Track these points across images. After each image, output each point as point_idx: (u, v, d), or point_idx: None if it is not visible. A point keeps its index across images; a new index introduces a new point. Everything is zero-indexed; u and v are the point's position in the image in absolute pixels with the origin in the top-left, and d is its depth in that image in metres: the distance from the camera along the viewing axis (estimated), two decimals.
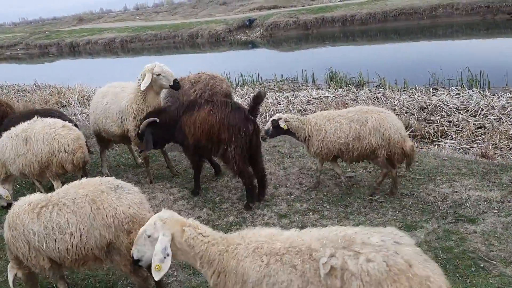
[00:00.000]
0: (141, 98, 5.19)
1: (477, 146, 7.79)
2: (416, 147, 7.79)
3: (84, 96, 15.52)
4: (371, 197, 4.57)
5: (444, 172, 5.09)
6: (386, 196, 4.62)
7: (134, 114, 5.23)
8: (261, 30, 34.75)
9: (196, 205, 4.89)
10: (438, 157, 5.71)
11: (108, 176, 6.04)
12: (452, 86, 12.25)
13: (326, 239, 2.32)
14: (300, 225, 4.19)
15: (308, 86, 15.19)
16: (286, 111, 10.95)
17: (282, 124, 4.76)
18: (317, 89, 14.28)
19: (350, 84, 13.80)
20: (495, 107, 9.31)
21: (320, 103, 11.37)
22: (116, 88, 5.63)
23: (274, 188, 5.10)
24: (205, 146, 4.76)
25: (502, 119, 8.65)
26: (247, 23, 36.12)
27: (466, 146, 7.96)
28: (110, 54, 37.75)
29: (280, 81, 16.06)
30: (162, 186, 5.53)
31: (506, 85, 11.86)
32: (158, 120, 4.96)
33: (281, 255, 2.34)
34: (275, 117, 4.97)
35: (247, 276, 2.38)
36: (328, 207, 4.51)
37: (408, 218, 4.07)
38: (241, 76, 16.81)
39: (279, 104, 11.88)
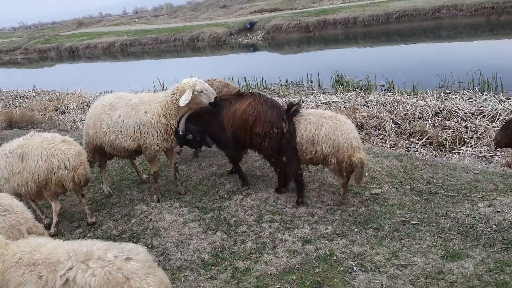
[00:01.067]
0: (173, 113, 4.90)
1: (500, 154, 7.38)
2: (435, 156, 7.41)
3: (84, 102, 15.12)
4: (402, 219, 4.13)
5: (480, 188, 4.65)
6: (419, 217, 4.18)
7: (161, 128, 4.91)
8: (263, 33, 34.38)
9: (208, 228, 4.44)
10: (469, 170, 5.26)
11: (110, 195, 5.64)
12: (464, 89, 11.86)
13: (74, 252, 2.61)
14: (328, 252, 3.75)
15: (314, 90, 14.81)
16: None
17: None
18: (323, 93, 13.89)
19: (358, 88, 13.41)
20: None
21: (329, 108, 10.95)
22: (131, 100, 5.11)
23: (294, 208, 4.66)
24: (241, 139, 4.88)
25: None
26: (248, 26, 35.77)
27: (488, 155, 7.54)
28: (110, 58, 37.39)
29: (285, 85, 15.66)
30: (170, 205, 5.07)
31: None
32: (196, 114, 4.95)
33: (35, 266, 2.62)
34: None
35: (9, 283, 2.66)
36: (356, 230, 4.07)
37: (450, 245, 3.62)
38: (245, 80, 16.41)
39: None
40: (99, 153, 5.48)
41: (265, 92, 14.93)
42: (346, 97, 12.18)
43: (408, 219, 4.11)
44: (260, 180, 5.42)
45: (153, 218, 4.77)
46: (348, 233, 4.04)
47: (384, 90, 13.24)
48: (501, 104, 9.42)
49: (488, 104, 9.71)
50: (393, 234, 3.91)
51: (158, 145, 4.98)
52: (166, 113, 4.89)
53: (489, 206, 4.21)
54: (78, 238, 4.48)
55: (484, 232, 3.74)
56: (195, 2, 71.08)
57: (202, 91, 4.80)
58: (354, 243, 3.86)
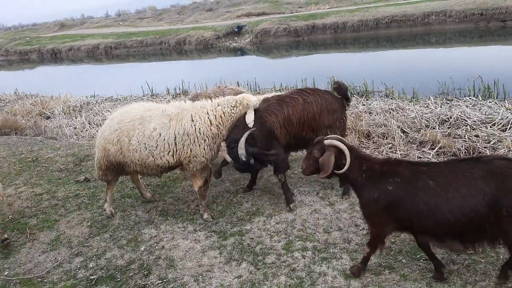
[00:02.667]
0: (227, 124, 4.65)
1: None
2: None
3: (69, 107, 14.41)
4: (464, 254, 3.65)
5: None
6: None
7: (210, 138, 4.57)
8: (251, 37, 33.95)
9: (231, 257, 3.88)
10: None
11: (112, 215, 4.95)
12: (465, 96, 11.55)
13: None
14: None
15: None
16: None
17: None
18: None
19: (355, 94, 13.01)
20: None
21: None
22: (166, 110, 4.61)
23: (326, 233, 4.12)
24: (303, 138, 4.75)
25: None
26: (236, 29, 35.31)
27: None
28: (94, 61, 36.45)
29: (279, 90, 15.18)
30: (183, 228, 4.48)
31: None
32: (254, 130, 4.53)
33: None
34: None
35: None
36: (404, 261, 3.56)
37: None
38: (238, 85, 15.87)
39: None
40: (116, 171, 4.84)
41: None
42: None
43: (461, 248, 3.63)
44: (282, 199, 4.88)
45: (166, 244, 4.19)
46: (396, 265, 3.53)
47: (384, 96, 12.87)
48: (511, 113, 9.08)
49: (496, 112, 9.37)
50: (450, 267, 3.41)
51: (204, 156, 4.58)
52: (219, 124, 4.59)
53: None
54: (78, 269, 3.88)
55: None
56: (180, 6, 70.27)
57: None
58: (406, 278, 3.35)
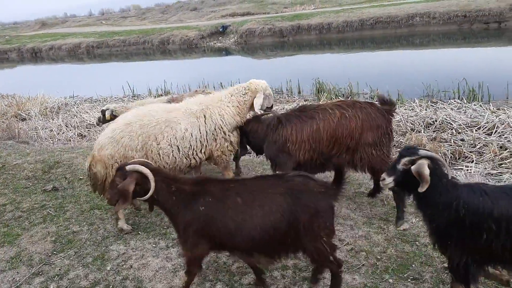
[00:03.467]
0: (246, 112, 4.84)
1: (508, 171, 6.86)
2: None
3: (46, 108, 13.96)
4: (444, 265, 3.40)
5: None
6: None
7: (236, 127, 4.79)
8: (236, 37, 33.67)
9: (205, 278, 3.56)
10: None
11: (131, 230, 4.49)
12: (450, 98, 11.44)
13: None
14: None
15: (294, 97, 14.17)
16: None
17: (107, 115, 5.16)
18: (305, 100, 13.26)
19: (340, 96, 12.83)
20: (511, 124, 8.46)
21: None
22: (189, 109, 4.61)
23: None
24: (333, 156, 4.12)
25: None
26: (221, 29, 34.99)
27: (494, 172, 7.00)
28: (75, 60, 35.75)
29: None
30: (155, 245, 4.15)
31: (507, 98, 11.14)
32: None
33: None
34: (104, 107, 5.87)
35: None
36: (391, 281, 3.30)
37: None
38: (221, 86, 15.59)
39: None
40: None
41: None
42: None
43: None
44: None
45: (134, 263, 3.85)
46: (381, 285, 3.26)
47: (369, 98, 12.72)
48: (497, 117, 8.97)
49: (481, 115, 9.26)
50: None
51: (237, 145, 4.84)
52: (239, 113, 4.76)
53: None
54: None
55: None
56: (164, 5, 69.61)
57: (268, 96, 4.79)
58: None
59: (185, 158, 4.53)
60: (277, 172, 4.30)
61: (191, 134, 4.51)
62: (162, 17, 54.29)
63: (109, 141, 4.33)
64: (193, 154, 4.57)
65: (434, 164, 2.76)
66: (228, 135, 4.73)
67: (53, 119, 12.66)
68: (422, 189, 2.70)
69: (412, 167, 2.75)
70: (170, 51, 34.36)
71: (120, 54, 36.06)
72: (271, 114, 4.57)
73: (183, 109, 4.61)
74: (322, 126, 4.02)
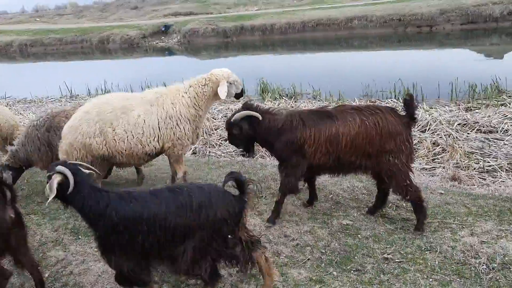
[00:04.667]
0: (203, 104, 4.71)
1: (440, 166, 7.26)
2: None
3: None
4: (384, 255, 3.55)
5: (453, 213, 4.25)
6: (402, 252, 3.64)
7: (191, 119, 4.69)
8: (179, 37, 33.28)
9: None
10: (433, 190, 4.89)
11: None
12: (387, 98, 11.97)
13: None
14: None
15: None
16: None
17: None
18: (250, 101, 13.33)
19: (284, 96, 13.04)
20: (443, 122, 8.98)
21: None
22: (145, 97, 4.65)
23: None
24: (352, 163, 4.00)
25: (452, 135, 8.28)
26: (163, 29, 34.44)
27: (428, 167, 7.40)
28: (7, 59, 33.72)
29: None
30: (96, 248, 3.98)
31: (438, 97, 11.79)
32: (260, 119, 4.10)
33: None
34: None
35: None
36: (335, 273, 3.39)
37: None
38: (165, 85, 15.26)
39: (215, 119, 10.71)
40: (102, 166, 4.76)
41: None
42: (276, 106, 11.71)
43: (390, 256, 3.53)
44: None
45: (75, 269, 3.69)
46: (326, 278, 3.35)
47: (311, 98, 13.00)
48: (430, 115, 9.49)
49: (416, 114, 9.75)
50: (380, 278, 3.30)
51: (189, 138, 4.76)
52: (195, 104, 4.66)
53: (471, 235, 3.80)
54: None
55: (480, 271, 3.27)
56: (103, 3, 67.36)
57: (233, 83, 4.70)
58: None
59: (140, 144, 4.56)
60: (284, 173, 4.18)
61: (144, 120, 4.53)
62: (101, 15, 52.54)
63: (69, 130, 4.52)
64: (146, 141, 4.57)
65: (77, 177, 2.90)
66: (181, 127, 4.64)
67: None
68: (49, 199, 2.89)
69: (49, 182, 2.89)
70: (110, 50, 33.34)
71: (57, 53, 34.49)
72: (283, 110, 4.30)
73: (140, 97, 4.68)
74: (342, 132, 3.88)
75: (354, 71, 17.12)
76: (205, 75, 4.75)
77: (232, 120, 4.23)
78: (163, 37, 34.20)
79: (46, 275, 3.64)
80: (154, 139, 4.61)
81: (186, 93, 4.67)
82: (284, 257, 3.68)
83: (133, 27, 35.91)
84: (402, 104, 4.01)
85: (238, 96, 4.92)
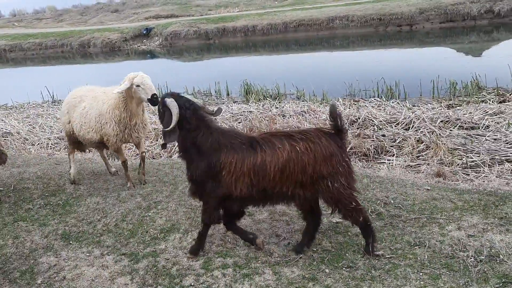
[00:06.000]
0: (122, 105, 5.03)
1: (424, 163, 7.41)
2: (364, 168, 7.20)
3: None
4: (374, 252, 3.62)
5: (440, 208, 4.34)
6: (392, 248, 3.71)
7: (115, 120, 5.11)
8: (160, 40, 33.07)
9: (145, 283, 3.48)
10: (420, 187, 4.98)
11: (75, 182, 5.74)
12: (370, 97, 12.13)
13: None
14: None
15: (223, 99, 14.23)
16: None
17: None
18: (234, 102, 13.38)
19: (268, 97, 13.12)
20: (426, 119, 9.15)
21: (246, 119, 10.44)
22: (96, 92, 5.48)
23: (246, 246, 3.89)
24: (281, 193, 3.53)
25: (436, 132, 8.44)
26: (144, 31, 34.16)
27: (413, 164, 7.53)
28: None
29: (192, 94, 14.82)
30: (88, 253, 3.96)
31: (421, 95, 11.99)
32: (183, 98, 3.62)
33: None
34: None
35: None
36: (327, 271, 3.44)
37: (440, 284, 3.17)
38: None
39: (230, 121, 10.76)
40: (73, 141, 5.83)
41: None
42: (260, 107, 11.77)
43: (380, 252, 3.60)
44: (199, 211, 4.57)
45: (68, 274, 3.67)
46: (319, 276, 3.40)
47: (295, 98, 13.10)
48: (413, 113, 9.65)
49: (399, 112, 9.92)
50: (372, 274, 3.36)
51: (115, 137, 5.17)
52: (118, 106, 5.05)
53: (458, 229, 3.89)
54: None
55: (469, 263, 3.36)
56: (83, 6, 66.54)
57: (139, 85, 4.72)
58: None
59: (90, 131, 5.30)
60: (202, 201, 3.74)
61: (88, 112, 5.30)
62: (81, 19, 51.88)
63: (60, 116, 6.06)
64: (87, 130, 5.31)
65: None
66: (109, 125, 5.14)
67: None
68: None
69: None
70: (91, 54, 32.96)
71: (36, 58, 33.94)
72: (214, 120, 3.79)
73: (99, 91, 5.47)
74: (269, 161, 3.44)
75: (337, 70, 17.31)
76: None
77: None
78: (144, 40, 33.93)
79: (39, 281, 3.63)
80: (92, 130, 5.32)
81: (110, 95, 5.18)
82: (277, 256, 3.72)
83: (114, 30, 35.56)
84: (329, 116, 3.63)
85: (151, 103, 4.68)
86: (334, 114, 3.51)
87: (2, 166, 6.19)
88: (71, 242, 4.25)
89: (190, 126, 3.55)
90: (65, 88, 15.53)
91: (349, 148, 8.20)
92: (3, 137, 10.57)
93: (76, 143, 5.84)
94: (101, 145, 5.57)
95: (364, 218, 3.60)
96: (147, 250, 3.96)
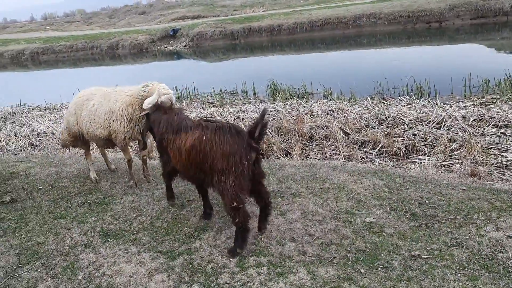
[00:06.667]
0: (137, 104, 5.29)
1: (457, 162, 7.26)
2: (396, 167, 7.11)
3: None
4: (411, 253, 3.58)
5: (477, 208, 4.27)
6: (428, 249, 3.67)
7: (127, 117, 5.35)
8: (187, 40, 33.41)
9: (181, 280, 3.57)
10: (455, 186, 4.90)
11: (97, 181, 5.96)
12: (400, 95, 11.95)
13: None
14: None
15: (250, 99, 14.26)
16: None
17: None
18: (261, 102, 13.41)
19: (295, 96, 13.09)
20: (458, 118, 8.97)
21: (273, 119, 10.44)
22: (106, 90, 5.69)
23: (279, 245, 3.92)
24: (194, 176, 4.13)
25: (469, 130, 8.27)
26: (171, 33, 34.60)
27: (446, 163, 7.39)
28: (19, 68, 34.14)
29: (219, 94, 14.94)
30: (126, 250, 4.09)
31: (452, 93, 11.74)
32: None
33: None
34: None
35: None
36: (362, 271, 3.44)
37: (479, 285, 3.13)
38: (176, 89, 15.45)
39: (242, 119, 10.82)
40: (78, 140, 6.03)
41: (198, 102, 14.15)
42: (288, 106, 11.76)
43: (416, 253, 3.57)
44: None
45: (107, 270, 3.79)
46: (354, 276, 3.40)
47: (323, 97, 13.02)
48: (445, 111, 9.47)
49: (430, 111, 9.75)
50: (408, 274, 3.34)
51: (124, 133, 5.38)
52: (133, 104, 5.30)
53: (496, 229, 3.82)
54: None
55: (511, 265, 3.30)
56: (111, 8, 67.89)
57: (163, 101, 4.89)
58: None
59: (98, 128, 5.45)
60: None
61: (97, 110, 5.48)
62: (110, 21, 52.93)
63: (66, 117, 5.88)
64: (101, 126, 5.45)
65: None
66: (120, 122, 5.34)
67: (0, 130, 12.09)
68: None
69: None
70: (120, 55, 33.59)
71: (68, 60, 34.83)
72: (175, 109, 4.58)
73: (106, 91, 5.64)
74: (184, 143, 3.97)
75: (365, 69, 17.12)
76: (148, 82, 5.23)
77: None
78: (171, 41, 34.36)
79: (80, 277, 3.75)
80: (101, 127, 5.48)
81: (129, 92, 5.39)
82: (310, 255, 3.73)
83: (142, 32, 36.15)
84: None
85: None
86: (258, 120, 3.74)
87: (41, 166, 6.43)
88: (108, 239, 4.38)
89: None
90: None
91: (378, 147, 8.14)
92: (38, 137, 10.92)
93: (76, 142, 6.09)
94: (108, 142, 5.74)
95: (241, 221, 3.79)
96: (182, 248, 4.05)
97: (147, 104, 4.74)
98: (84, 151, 6.34)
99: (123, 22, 49.67)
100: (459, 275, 3.27)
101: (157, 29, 36.38)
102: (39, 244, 4.41)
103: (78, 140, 5.97)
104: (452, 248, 3.62)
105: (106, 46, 34.92)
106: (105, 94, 5.55)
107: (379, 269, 3.46)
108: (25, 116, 13.58)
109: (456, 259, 3.46)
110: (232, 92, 15.22)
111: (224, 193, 3.74)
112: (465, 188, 4.84)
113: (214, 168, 3.75)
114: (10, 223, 4.92)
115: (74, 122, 5.76)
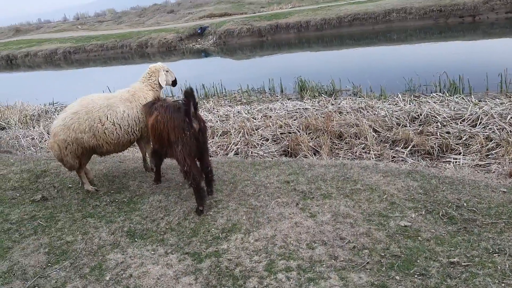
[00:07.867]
0: (159, 94, 5.84)
1: (495, 162, 6.94)
2: (429, 167, 6.85)
3: (26, 116, 13.67)
4: (450, 259, 3.39)
5: None
6: (468, 255, 3.47)
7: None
8: (214, 38, 33.52)
9: (209, 283, 3.48)
10: (494, 188, 4.65)
11: (96, 190, 5.71)
12: (432, 92, 11.57)
13: None
14: None
15: (277, 96, 14.11)
16: (266, 127, 9.78)
17: None
18: (288, 99, 13.25)
19: (323, 94, 12.86)
20: (495, 116, 8.59)
21: (301, 117, 10.29)
22: (124, 95, 5.67)
23: (309, 248, 3.80)
24: (163, 150, 5.05)
25: (506, 129, 7.91)
26: (199, 31, 34.80)
27: (482, 163, 7.08)
28: (52, 67, 35.05)
29: (246, 91, 14.86)
30: (153, 251, 4.04)
31: (487, 89, 11.31)
32: None
33: None
34: None
35: None
36: (398, 278, 3.28)
37: None
38: (204, 87, 15.47)
39: (255, 119, 10.68)
40: (88, 155, 5.65)
41: (225, 100, 14.10)
42: (316, 103, 11.56)
43: (455, 259, 3.38)
44: (260, 211, 4.53)
45: (134, 272, 3.75)
46: (389, 283, 3.24)
47: (352, 94, 12.76)
48: (480, 108, 9.10)
49: (464, 108, 9.39)
50: (447, 283, 3.16)
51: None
52: (155, 95, 5.75)
53: None
54: None
55: None
56: (140, 8, 68.86)
57: (167, 70, 6.00)
58: None
59: (126, 134, 5.54)
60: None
61: (128, 115, 5.49)
62: (139, 20, 53.71)
63: (61, 128, 5.24)
64: (131, 131, 5.57)
65: None
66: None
67: (34, 127, 12.36)
68: None
69: None
70: (148, 54, 34.00)
71: (98, 59, 35.53)
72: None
73: (118, 96, 5.62)
74: (149, 122, 5.08)
75: (395, 65, 16.70)
76: (145, 70, 5.90)
77: None
78: (199, 39, 34.56)
79: (107, 278, 3.72)
80: (136, 129, 5.62)
81: (146, 87, 5.76)
82: (342, 260, 3.59)
83: (170, 30, 36.49)
84: None
85: (174, 83, 6.13)
86: (185, 100, 4.43)
87: None
88: (136, 239, 4.35)
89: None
90: (126, 87, 16.16)
91: (410, 146, 7.89)
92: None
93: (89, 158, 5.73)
94: (130, 145, 5.94)
95: (193, 182, 4.60)
96: (210, 249, 3.97)
97: (164, 81, 5.80)
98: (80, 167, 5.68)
99: (152, 21, 50.30)
100: (503, 284, 3.06)
101: (185, 27, 36.64)
102: (68, 243, 4.42)
103: (85, 156, 5.53)
104: (494, 255, 3.41)
105: (135, 45, 35.42)
106: (127, 98, 5.62)
107: (416, 276, 3.29)
108: (57, 114, 13.86)
109: (499, 267, 3.26)
110: (259, 90, 15.12)
111: (177, 160, 4.66)
112: (505, 190, 4.58)
113: (170, 141, 4.64)
114: (41, 221, 4.96)
115: (90, 137, 5.29)
